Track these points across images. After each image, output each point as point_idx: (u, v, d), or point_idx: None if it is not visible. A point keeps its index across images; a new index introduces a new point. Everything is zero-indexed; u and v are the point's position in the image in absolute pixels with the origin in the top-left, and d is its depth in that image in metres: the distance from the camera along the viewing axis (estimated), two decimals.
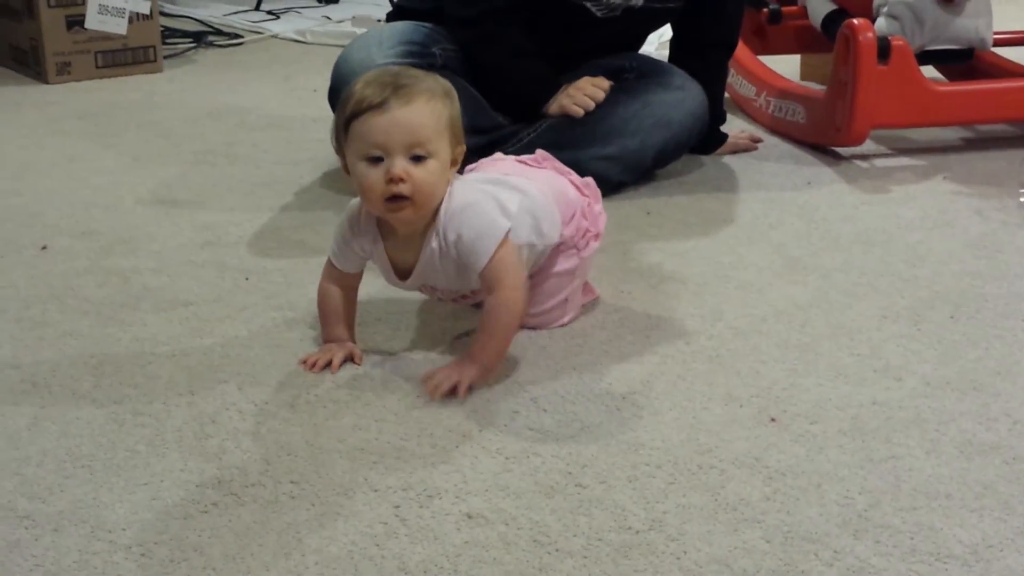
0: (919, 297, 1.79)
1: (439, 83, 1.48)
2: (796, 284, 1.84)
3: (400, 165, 1.42)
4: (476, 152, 2.21)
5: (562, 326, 1.67)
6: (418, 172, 1.43)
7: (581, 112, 2.21)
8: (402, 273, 1.55)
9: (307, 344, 1.61)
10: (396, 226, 1.50)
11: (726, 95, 2.62)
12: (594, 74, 2.26)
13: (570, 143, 2.19)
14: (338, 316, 1.58)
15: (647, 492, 1.28)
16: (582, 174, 2.20)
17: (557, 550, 1.18)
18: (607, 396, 1.49)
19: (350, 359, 1.56)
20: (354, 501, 1.26)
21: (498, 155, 1.77)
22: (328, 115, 2.22)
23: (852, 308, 1.75)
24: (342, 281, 1.58)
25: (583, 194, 1.69)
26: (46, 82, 3.26)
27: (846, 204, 2.22)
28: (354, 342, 1.59)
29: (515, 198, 1.55)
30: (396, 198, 1.43)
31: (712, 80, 2.39)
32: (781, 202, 2.23)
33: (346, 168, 1.49)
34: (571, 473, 1.32)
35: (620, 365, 1.58)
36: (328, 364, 1.54)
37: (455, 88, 2.17)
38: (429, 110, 1.44)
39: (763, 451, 1.36)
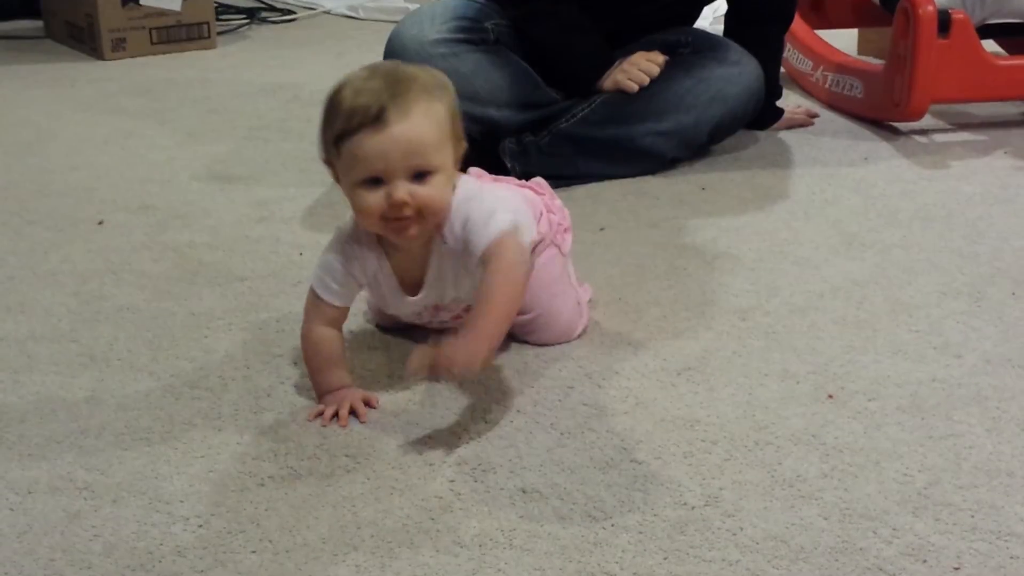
0: (979, 273, 1.77)
1: (434, 78, 1.34)
2: (853, 260, 1.82)
3: (402, 190, 1.29)
4: (529, 127, 2.21)
5: (578, 337, 1.56)
6: (423, 191, 1.30)
7: (635, 87, 2.19)
8: (411, 288, 1.42)
9: (360, 318, 1.61)
10: (399, 243, 1.38)
11: (782, 70, 2.59)
12: (649, 49, 2.24)
13: (624, 118, 2.19)
14: (332, 360, 1.41)
15: (703, 468, 1.27)
16: (636, 149, 2.22)
17: (612, 525, 1.18)
18: (662, 372, 1.48)
19: (363, 405, 1.39)
20: (409, 475, 1.27)
21: None
22: None
23: (911, 285, 1.73)
24: (332, 320, 1.41)
25: (537, 192, 1.57)
26: (101, 58, 3.29)
27: (904, 179, 2.19)
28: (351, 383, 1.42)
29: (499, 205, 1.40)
30: (399, 219, 1.31)
31: (768, 54, 2.36)
32: (838, 177, 2.21)
33: (336, 176, 1.36)
34: (626, 448, 1.31)
35: (675, 341, 1.57)
36: (336, 415, 1.37)
37: (508, 63, 2.19)
38: (429, 120, 1.29)
39: (820, 428, 1.35)
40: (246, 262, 1.84)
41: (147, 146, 2.47)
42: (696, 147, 2.27)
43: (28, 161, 2.37)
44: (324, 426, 1.36)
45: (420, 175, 1.30)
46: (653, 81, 2.19)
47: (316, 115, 2.82)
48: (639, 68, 2.20)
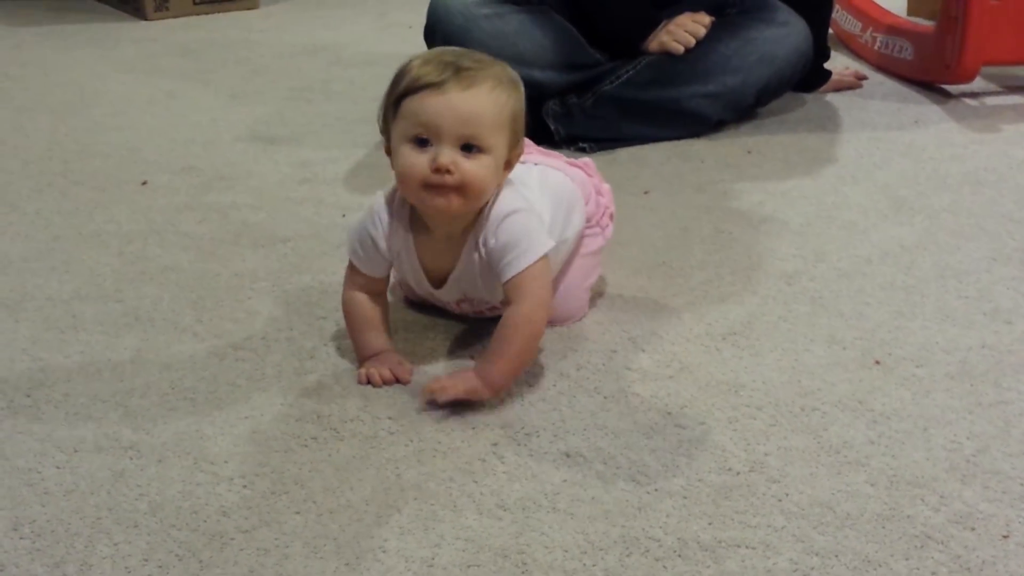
0: None
1: (506, 72, 1.34)
2: (902, 225, 1.80)
3: (448, 155, 1.27)
4: (573, 89, 2.19)
5: (578, 320, 1.52)
6: (468, 164, 1.28)
7: (681, 49, 2.17)
8: (436, 280, 1.40)
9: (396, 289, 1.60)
10: (433, 220, 1.35)
11: (830, 31, 2.55)
12: (695, 10, 2.22)
13: (670, 80, 2.16)
14: (371, 323, 1.41)
15: (748, 434, 1.26)
16: (681, 112, 2.19)
17: (656, 490, 1.17)
18: (706, 336, 1.47)
19: (394, 376, 1.37)
20: (452, 438, 1.26)
21: None
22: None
23: (960, 250, 1.71)
24: (367, 286, 1.40)
25: (588, 173, 1.56)
26: (144, 18, 3.29)
27: (954, 143, 2.16)
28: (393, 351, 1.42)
29: (548, 195, 1.43)
30: (439, 186, 1.28)
31: (816, 15, 2.33)
32: (887, 141, 2.18)
33: (388, 148, 1.34)
34: (670, 413, 1.30)
35: (720, 305, 1.55)
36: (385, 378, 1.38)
37: (552, 24, 2.17)
38: (491, 99, 1.29)
39: (867, 394, 1.34)
40: (289, 223, 1.84)
41: (190, 107, 2.47)
42: (742, 109, 2.25)
43: (72, 122, 2.38)
44: (378, 387, 1.36)
45: (469, 147, 1.28)
46: (699, 42, 2.17)
47: (358, 76, 2.83)
48: (685, 29, 2.18)
